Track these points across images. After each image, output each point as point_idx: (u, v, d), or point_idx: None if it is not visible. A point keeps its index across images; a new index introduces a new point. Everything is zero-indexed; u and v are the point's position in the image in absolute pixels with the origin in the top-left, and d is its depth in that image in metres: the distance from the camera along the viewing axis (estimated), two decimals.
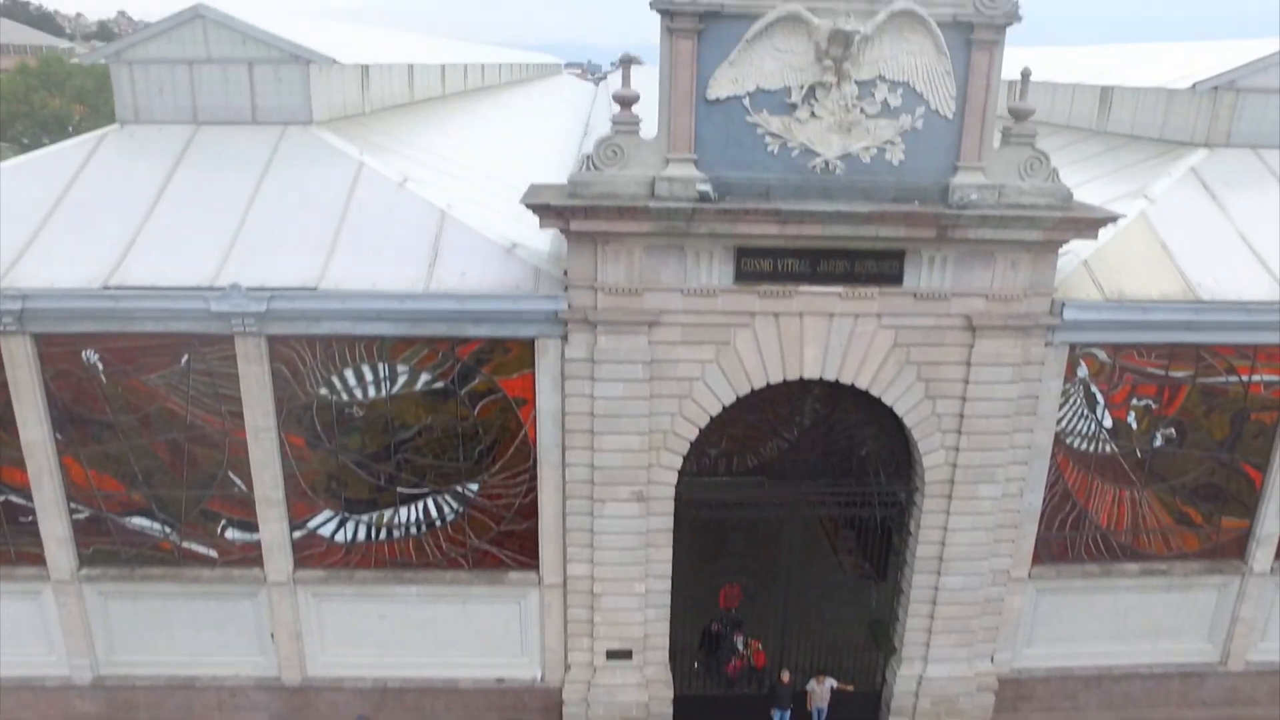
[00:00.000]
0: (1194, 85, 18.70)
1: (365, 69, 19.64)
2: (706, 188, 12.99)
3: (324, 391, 14.78)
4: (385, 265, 14.40)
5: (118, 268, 14.39)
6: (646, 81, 17.30)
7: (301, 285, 14.05)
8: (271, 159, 16.47)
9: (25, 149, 61.73)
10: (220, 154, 16.56)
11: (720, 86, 13.03)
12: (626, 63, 13.27)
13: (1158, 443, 16.16)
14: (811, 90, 13.17)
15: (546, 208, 13.04)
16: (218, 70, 17.06)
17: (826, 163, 13.50)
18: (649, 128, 13.43)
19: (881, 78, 13.28)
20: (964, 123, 13.61)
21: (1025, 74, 14.04)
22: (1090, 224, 13.98)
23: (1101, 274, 15.51)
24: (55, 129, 60.67)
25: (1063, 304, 14.73)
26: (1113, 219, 14.02)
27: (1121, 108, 21.69)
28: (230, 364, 14.50)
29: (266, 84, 17.11)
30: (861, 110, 13.33)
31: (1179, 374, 15.78)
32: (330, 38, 20.87)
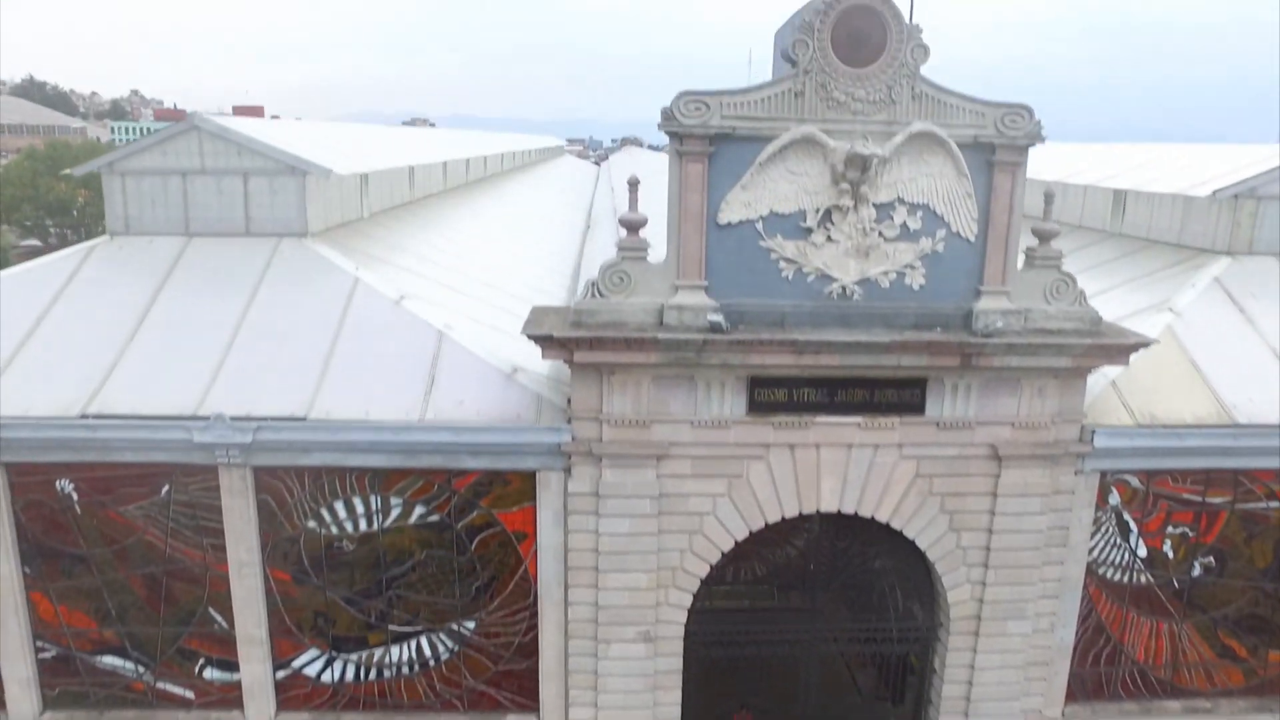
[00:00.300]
0: (1214, 193, 18.22)
1: (364, 177, 19.20)
2: (718, 318, 12.32)
3: (312, 524, 13.93)
4: (379, 391, 13.67)
5: (98, 393, 13.66)
6: (649, 173, 16.85)
7: (290, 415, 13.30)
8: (264, 274, 15.87)
9: (28, 232, 61.80)
10: (211, 269, 15.98)
11: (732, 210, 12.46)
12: (633, 186, 12.71)
13: (1196, 572, 15.24)
14: (828, 214, 12.61)
15: (549, 339, 12.35)
16: (212, 182, 16.59)
17: (844, 288, 12.86)
18: (654, 214, 12.85)
19: (900, 200, 12.73)
20: (987, 246, 13.02)
21: (1049, 196, 13.49)
22: (1121, 350, 13.29)
23: (1131, 395, 14.77)
24: (59, 213, 60.94)
25: (1093, 431, 13.96)
26: (1145, 344, 13.33)
27: (1136, 211, 21.22)
28: (213, 495, 13.68)
29: (261, 195, 16.62)
30: (880, 234, 12.75)
31: (1217, 500, 14.93)
32: (331, 143, 20.53)
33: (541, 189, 43.88)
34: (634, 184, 12.70)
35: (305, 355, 14.28)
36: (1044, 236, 13.38)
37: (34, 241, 62.18)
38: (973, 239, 13.01)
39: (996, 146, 12.68)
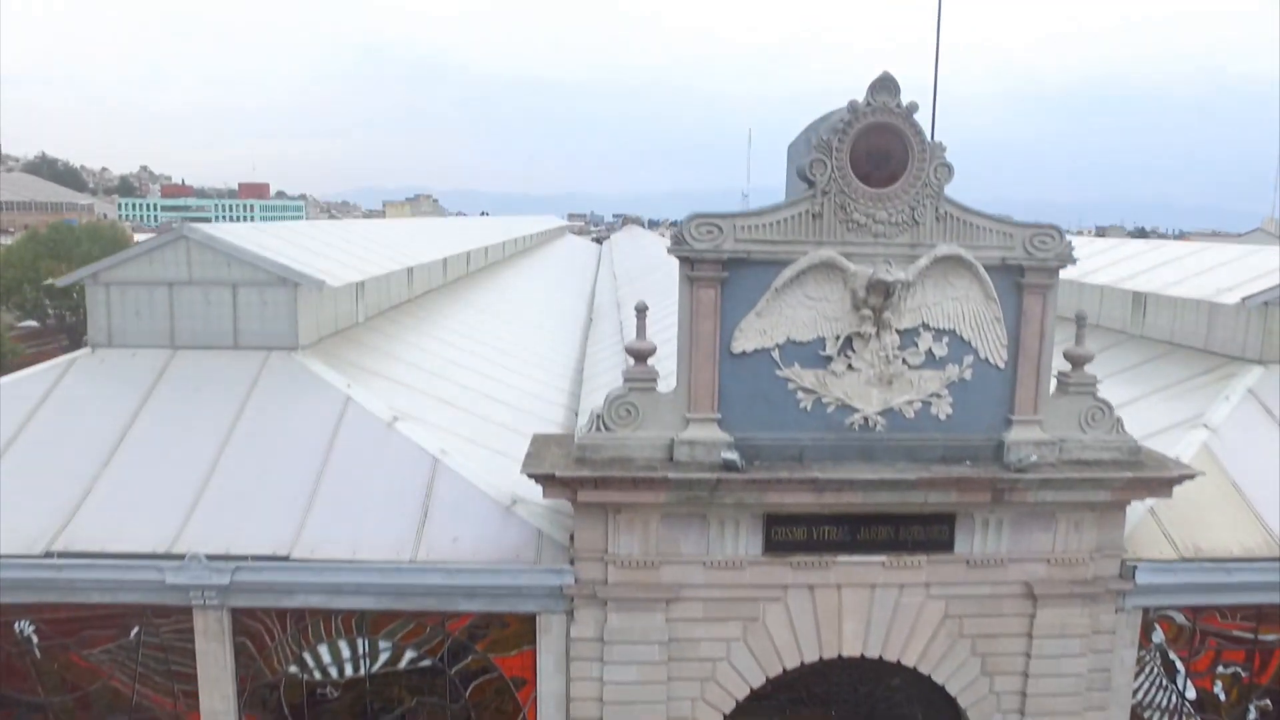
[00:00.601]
0: (1243, 300, 17.51)
1: (359, 285, 18.53)
2: (733, 456, 11.45)
3: (294, 669, 12.86)
4: (369, 526, 12.74)
5: (66, 526, 12.73)
6: (650, 264, 16.16)
7: (272, 553, 12.35)
8: (250, 392, 15.07)
9: (27, 314, 61.31)
10: (196, 385, 15.18)
11: (747, 339, 11.70)
12: (641, 312, 11.96)
13: (1252, 716, 14.10)
14: (848, 341, 11.84)
15: (551, 478, 11.46)
16: (199, 293, 15.90)
17: (866, 419, 12.03)
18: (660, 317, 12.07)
19: (925, 326, 11.99)
20: (1017, 372, 12.24)
21: (1081, 319, 12.74)
22: (1164, 484, 12.41)
23: (1172, 524, 13.81)
24: (59, 295, 60.46)
25: (1134, 566, 12.98)
26: (1189, 476, 12.44)
27: (1158, 314, 20.50)
28: (187, 638, 12.65)
29: (251, 307, 15.91)
30: (904, 361, 11.97)
31: (1271, 637, 13.88)
32: (326, 246, 19.92)
33: (543, 275, 43.44)
34: (641, 310, 11.95)
35: (291, 483, 13.39)
36: (1077, 361, 12.60)
37: (32, 322, 61.68)
38: (1002, 365, 12.23)
39: (1025, 269, 12.00)
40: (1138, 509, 13.79)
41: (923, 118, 11.80)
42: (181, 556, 12.17)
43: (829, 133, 11.44)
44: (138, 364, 15.66)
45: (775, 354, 11.79)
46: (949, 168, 11.67)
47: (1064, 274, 23.32)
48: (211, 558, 12.16)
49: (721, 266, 11.45)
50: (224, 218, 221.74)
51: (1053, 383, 12.68)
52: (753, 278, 11.58)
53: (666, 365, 13.28)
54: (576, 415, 18.34)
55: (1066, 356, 12.64)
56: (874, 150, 11.58)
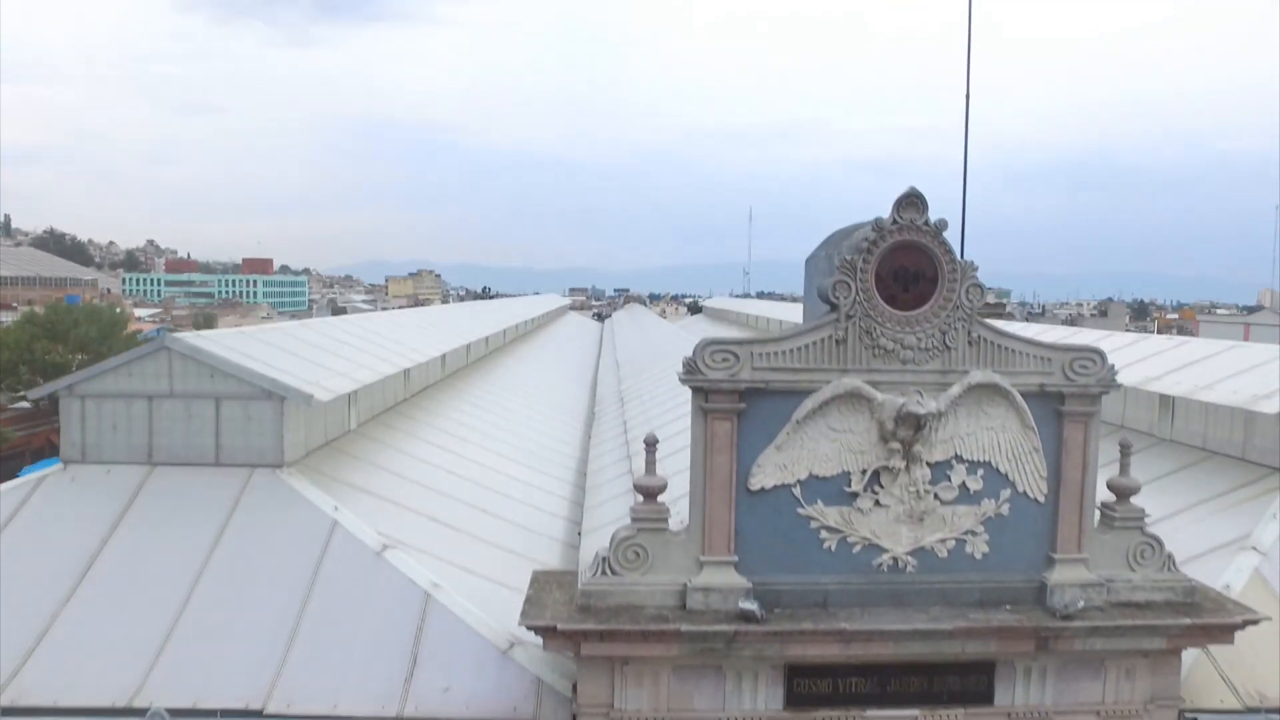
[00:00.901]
0: None
1: (351, 395, 17.65)
2: (752, 606, 10.40)
3: None
4: (352, 674, 11.62)
5: (18, 674, 11.62)
6: (652, 353, 15.25)
7: (245, 707, 11.22)
8: (231, 514, 14.08)
9: (19, 397, 60.45)
10: (172, 506, 14.21)
11: (765, 474, 10.74)
12: (650, 445, 11.02)
13: None
14: (875, 475, 10.89)
15: (552, 631, 10.39)
16: (180, 406, 15.02)
17: (895, 560, 11.01)
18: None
19: (958, 457, 11.04)
20: (1059, 507, 11.26)
21: (1125, 446, 11.79)
22: (1225, 630, 11.33)
23: (1230, 664, 12.64)
24: (53, 376, 59.76)
25: (1194, 718, 11.81)
26: (1253, 621, 11.36)
27: (1189, 419, 19.57)
28: None
29: (234, 422, 15.01)
30: (935, 496, 11.00)
31: None
32: (319, 349, 19.10)
33: (544, 362, 42.66)
34: (651, 444, 11.01)
35: (269, 621, 12.31)
36: (1123, 492, 11.62)
37: (24, 404, 60.81)
38: (1042, 499, 11.26)
39: (1065, 395, 11.11)
40: (1193, 649, 12.69)
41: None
42: (143, 712, 11.04)
43: (853, 252, 10.66)
44: (112, 482, 14.69)
45: (796, 490, 10.83)
46: (981, 288, 10.87)
47: None
48: (176, 713, 11.03)
49: (738, 397, 10.56)
50: (227, 293, 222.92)
51: (1095, 515, 11.70)
52: (772, 408, 10.68)
53: (674, 470, 12.34)
54: (579, 533, 17.28)
55: (1111, 487, 11.66)
56: (901, 270, 10.79)
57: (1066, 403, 11.11)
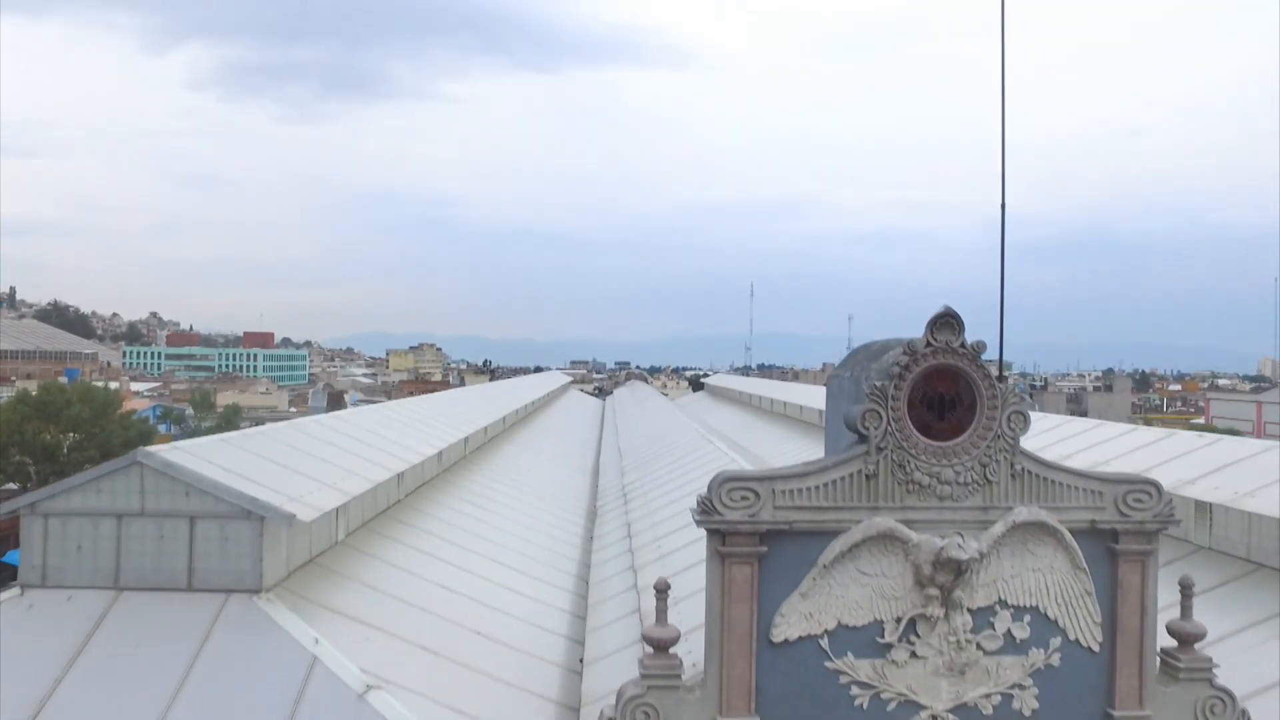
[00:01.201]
0: None
1: (338, 511, 16.54)
2: None
3: None
4: None
5: None
6: (654, 434, 14.18)
7: None
8: (201, 647, 12.89)
9: (8, 477, 59.23)
10: (138, 639, 13.02)
11: (789, 625, 9.63)
12: (661, 591, 9.93)
13: None
14: (911, 624, 9.78)
15: None
16: (152, 526, 13.93)
17: (935, 718, 9.83)
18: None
19: (1002, 602, 9.94)
20: (1116, 657, 10.11)
21: (1186, 586, 10.68)
22: None
23: None
24: (43, 460, 58.70)
25: None
26: None
27: (1229, 527, 18.40)
28: None
29: (210, 544, 13.90)
30: (978, 646, 9.87)
31: None
32: (307, 456, 18.08)
33: (544, 447, 41.54)
34: (662, 590, 9.92)
35: None
36: (1186, 638, 10.48)
37: (11, 485, 59.58)
38: (1097, 648, 10.12)
39: (1120, 532, 10.05)
40: None
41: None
42: None
43: (883, 378, 9.72)
44: (73, 611, 13.53)
45: (823, 642, 9.70)
46: (1024, 416, 9.90)
47: (1089, 458, 21.40)
48: None
49: (759, 539, 9.52)
50: (228, 366, 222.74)
51: (1156, 662, 10.54)
52: (796, 551, 9.62)
53: (682, 593, 11.19)
54: (581, 660, 16.02)
55: (1172, 632, 10.53)
56: (936, 396, 9.84)
57: (1121, 540, 10.05)
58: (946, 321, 9.72)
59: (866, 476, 9.70)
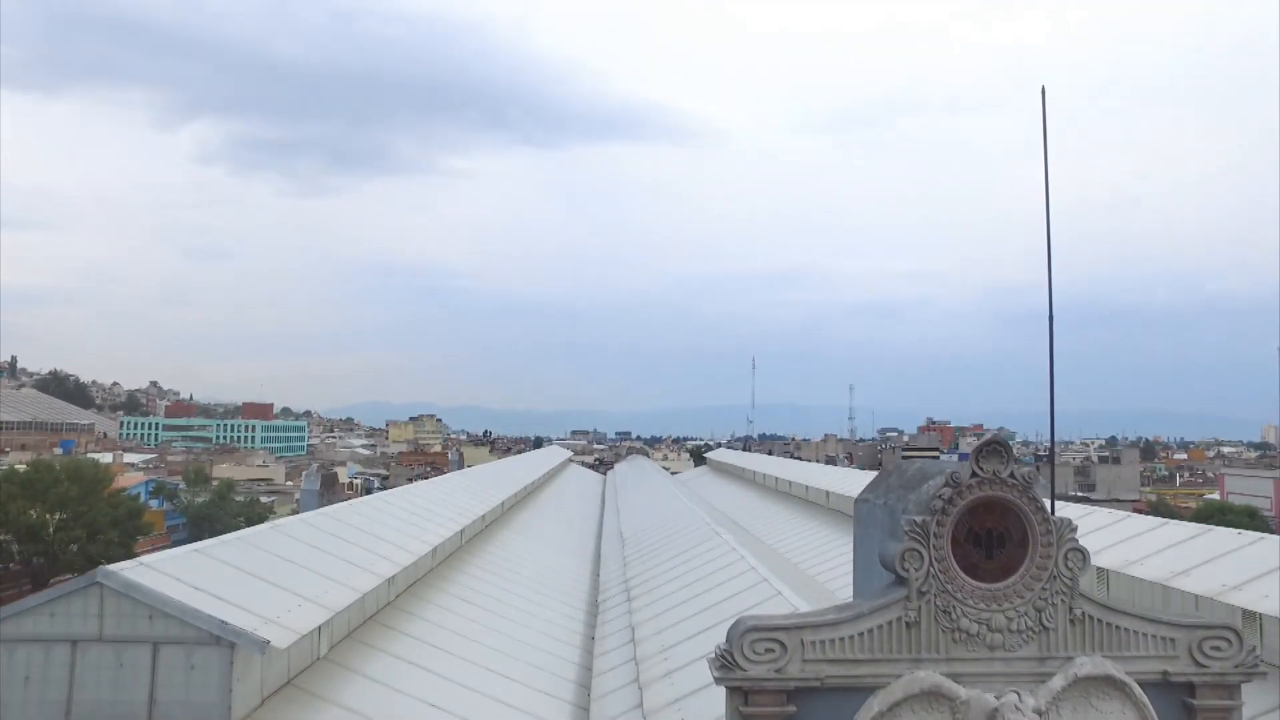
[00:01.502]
0: None
1: (317, 631, 15.26)
2: None
3: None
4: None
5: None
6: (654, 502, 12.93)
7: None
8: None
9: None
10: None
11: None
12: None
13: None
14: None
15: None
16: (110, 653, 12.67)
17: None
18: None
19: None
20: None
21: None
22: None
23: None
24: (28, 539, 57.11)
25: None
26: None
27: (1274, 637, 17.11)
28: None
29: (174, 673, 12.64)
30: None
31: None
32: (289, 563, 16.85)
33: (544, 531, 40.11)
34: None
35: None
36: None
37: None
38: None
39: (1196, 685, 8.85)
40: None
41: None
42: None
43: (924, 512, 8.62)
44: None
45: None
46: (1083, 554, 8.78)
47: (1139, 572, 20.17)
48: None
49: (786, 698, 8.32)
50: (225, 438, 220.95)
51: None
52: (828, 711, 8.41)
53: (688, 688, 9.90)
54: None
55: None
56: (982, 532, 8.73)
57: (1198, 694, 8.84)
58: (994, 449, 8.67)
59: (907, 625, 8.54)
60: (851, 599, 10.39)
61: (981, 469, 8.68)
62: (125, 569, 13.16)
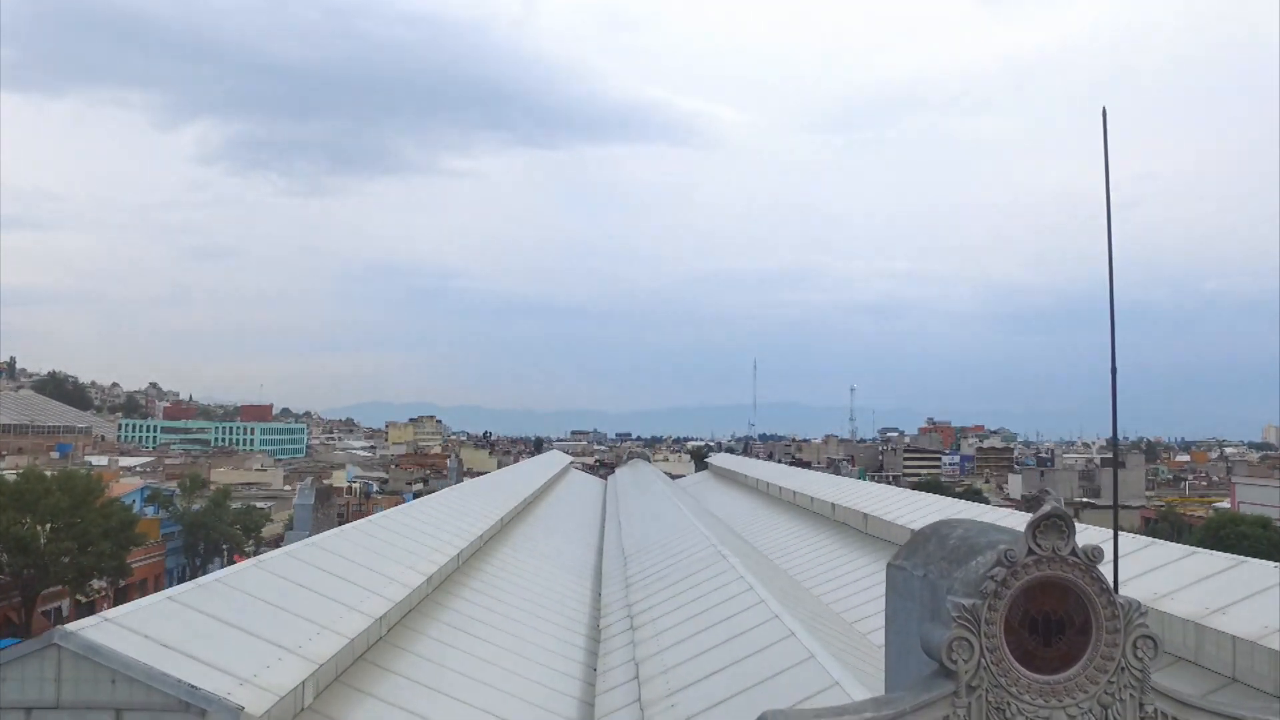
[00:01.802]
0: None
1: (300, 687, 14.18)
2: None
3: None
4: None
5: None
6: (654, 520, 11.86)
7: None
8: None
9: None
10: None
11: None
12: None
13: None
14: None
15: None
16: None
17: None
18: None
19: None
20: None
21: None
22: None
23: None
24: (17, 551, 56.13)
25: None
26: None
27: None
28: None
29: None
30: None
31: None
32: (271, 607, 15.81)
33: (543, 546, 39.08)
34: None
35: None
36: None
37: None
38: None
39: None
40: None
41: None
42: None
43: (974, 594, 7.56)
44: None
45: None
46: (1153, 641, 7.72)
47: (1170, 608, 19.07)
48: None
49: None
50: (224, 440, 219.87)
51: None
52: None
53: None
54: None
55: None
56: (1039, 617, 7.67)
57: None
58: (1054, 523, 7.61)
59: None
60: (881, 650, 9.39)
61: (1039, 546, 7.62)
62: (86, 628, 12.10)
